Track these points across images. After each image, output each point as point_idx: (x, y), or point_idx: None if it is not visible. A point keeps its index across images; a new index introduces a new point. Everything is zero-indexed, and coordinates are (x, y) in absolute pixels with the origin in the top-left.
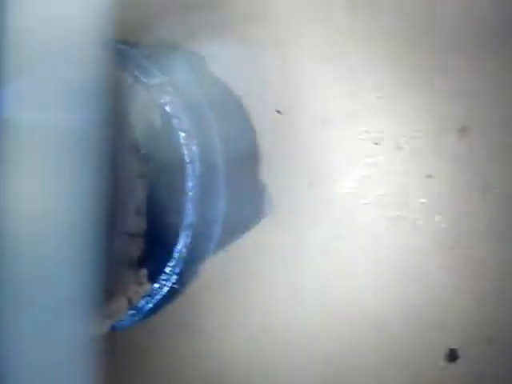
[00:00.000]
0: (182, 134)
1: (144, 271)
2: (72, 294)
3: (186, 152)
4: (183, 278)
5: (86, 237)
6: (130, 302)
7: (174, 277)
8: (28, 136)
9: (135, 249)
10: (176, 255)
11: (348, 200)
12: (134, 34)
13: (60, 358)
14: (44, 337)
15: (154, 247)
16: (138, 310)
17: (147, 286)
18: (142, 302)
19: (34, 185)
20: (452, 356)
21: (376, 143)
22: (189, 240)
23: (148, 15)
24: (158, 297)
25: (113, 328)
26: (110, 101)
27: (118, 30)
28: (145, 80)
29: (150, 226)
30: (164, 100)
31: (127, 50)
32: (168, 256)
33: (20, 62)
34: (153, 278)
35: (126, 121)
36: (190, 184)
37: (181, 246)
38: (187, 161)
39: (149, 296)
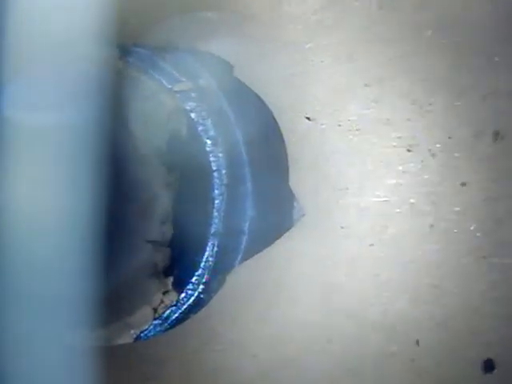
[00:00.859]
0: (208, 142)
1: (170, 280)
2: (70, 297)
3: (212, 159)
4: (209, 288)
5: (85, 238)
6: (155, 311)
7: (201, 286)
8: (28, 136)
9: (160, 257)
10: (202, 264)
11: (380, 208)
12: (137, 36)
13: (58, 362)
14: (42, 339)
15: (180, 256)
16: (164, 319)
17: (173, 296)
18: (168, 312)
19: (33, 184)
20: (488, 366)
21: (409, 150)
22: (215, 249)
23: (155, 16)
24: (184, 306)
25: (137, 338)
26: (131, 108)
27: (120, 32)
28: (169, 86)
29: (176, 235)
30: (189, 106)
31: (148, 54)
32: (194, 265)
33: (20, 62)
34: (179, 287)
35: (150, 128)
36: (216, 192)
37: (207, 255)
38: (213, 169)
39: (174, 306)
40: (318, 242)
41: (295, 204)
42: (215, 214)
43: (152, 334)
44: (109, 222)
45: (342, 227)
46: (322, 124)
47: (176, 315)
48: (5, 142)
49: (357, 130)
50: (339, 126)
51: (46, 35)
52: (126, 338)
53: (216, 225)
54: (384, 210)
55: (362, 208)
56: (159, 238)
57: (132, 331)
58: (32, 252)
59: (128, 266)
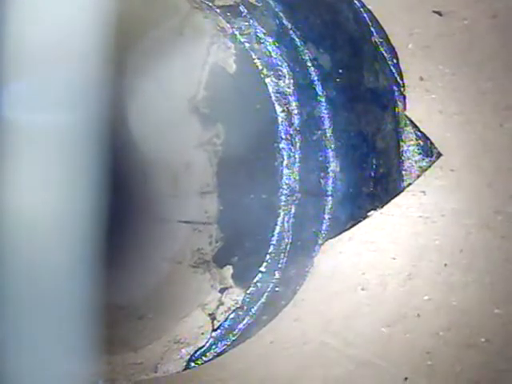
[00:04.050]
0: (267, 72)
1: (227, 272)
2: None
3: (275, 98)
4: (288, 276)
5: (88, 237)
6: (212, 318)
7: (275, 275)
8: (28, 136)
9: (205, 241)
10: (274, 242)
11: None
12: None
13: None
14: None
15: (238, 237)
16: (226, 329)
17: (236, 293)
18: (231, 318)
19: (34, 184)
20: None
21: None
22: (291, 220)
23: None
24: (254, 308)
25: (190, 361)
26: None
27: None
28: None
29: (227, 209)
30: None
31: None
32: (262, 246)
33: (20, 62)
34: (242, 280)
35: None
36: (283, 142)
37: (280, 229)
38: (278, 110)
39: (240, 308)
40: None
41: (417, 148)
42: (285, 171)
43: (212, 352)
44: (126, 209)
45: None
46: None
47: (244, 322)
48: (5, 142)
49: None
50: None
51: (46, 36)
52: (174, 364)
53: (288, 186)
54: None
55: None
56: (199, 214)
57: (183, 350)
58: (30, 251)
59: (160, 257)
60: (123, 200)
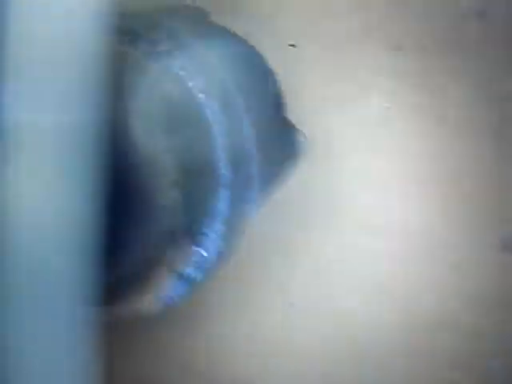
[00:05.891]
0: (201, 95)
1: (185, 238)
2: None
3: (208, 111)
4: (228, 241)
5: (88, 239)
6: (172, 270)
7: (219, 241)
8: (28, 136)
9: (173, 220)
10: (217, 216)
11: None
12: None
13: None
14: (44, 333)
15: (193, 214)
16: (187, 280)
17: (192, 252)
18: (190, 272)
19: (34, 186)
20: None
21: None
22: (228, 198)
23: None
24: (207, 265)
25: (166, 302)
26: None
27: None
28: (151, 49)
29: (186, 193)
30: (175, 65)
31: (125, 21)
32: (209, 218)
33: (20, 62)
34: (196, 244)
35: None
36: (220, 141)
37: (221, 206)
38: (210, 120)
39: (197, 265)
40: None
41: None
42: (222, 164)
43: (179, 295)
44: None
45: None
46: None
47: (200, 275)
48: (6, 142)
49: None
50: None
51: (46, 34)
52: (148, 305)
53: (225, 174)
54: None
55: None
56: (171, 201)
57: (152, 296)
58: (30, 252)
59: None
60: (126, 203)
